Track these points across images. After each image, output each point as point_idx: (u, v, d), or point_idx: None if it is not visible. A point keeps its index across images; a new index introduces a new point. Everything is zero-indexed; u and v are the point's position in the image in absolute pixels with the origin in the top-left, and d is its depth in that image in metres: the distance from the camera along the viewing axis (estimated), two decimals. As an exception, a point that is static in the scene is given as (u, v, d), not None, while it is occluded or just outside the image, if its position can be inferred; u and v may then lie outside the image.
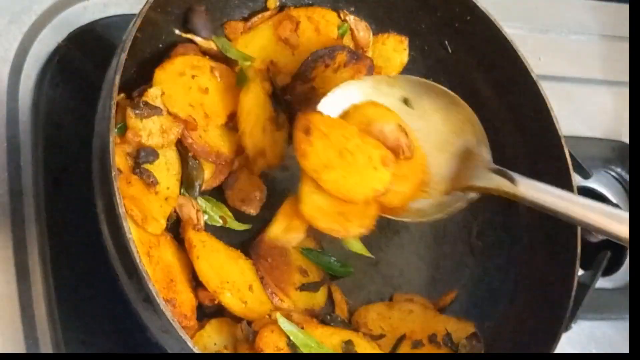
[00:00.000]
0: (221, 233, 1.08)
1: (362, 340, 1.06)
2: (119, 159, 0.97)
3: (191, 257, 1.00)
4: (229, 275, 1.02)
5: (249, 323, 1.01)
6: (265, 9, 1.19)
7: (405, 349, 1.11)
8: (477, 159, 1.02)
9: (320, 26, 1.19)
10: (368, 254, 1.09)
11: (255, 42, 1.16)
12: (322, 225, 1.00)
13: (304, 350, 0.98)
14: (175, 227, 1.05)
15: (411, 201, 1.06)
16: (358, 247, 1.06)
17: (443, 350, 1.12)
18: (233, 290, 1.01)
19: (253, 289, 1.04)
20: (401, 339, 1.11)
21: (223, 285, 1.00)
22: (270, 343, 0.97)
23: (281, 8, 1.19)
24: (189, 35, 1.11)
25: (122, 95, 1.02)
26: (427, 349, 1.11)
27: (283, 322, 0.99)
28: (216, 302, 1.01)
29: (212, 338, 1.00)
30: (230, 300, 1.00)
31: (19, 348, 1.02)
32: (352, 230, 1.01)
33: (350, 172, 0.99)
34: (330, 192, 1.00)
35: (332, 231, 1.01)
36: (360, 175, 1.00)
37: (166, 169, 1.04)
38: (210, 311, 1.03)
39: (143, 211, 0.96)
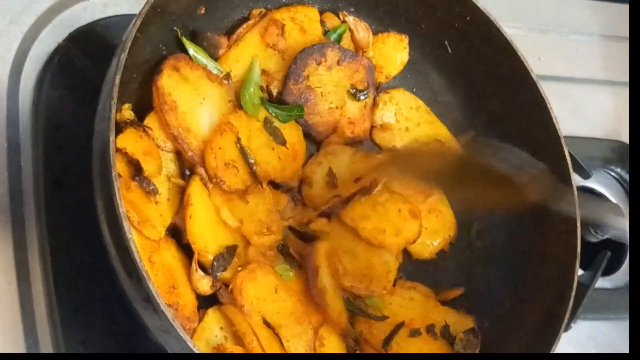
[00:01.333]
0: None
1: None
2: (119, 164, 0.97)
3: (185, 214, 0.99)
4: (217, 238, 1.02)
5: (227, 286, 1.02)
6: (247, 18, 1.18)
7: (402, 336, 1.12)
8: None
9: (304, 25, 1.18)
10: None
11: (246, 54, 1.14)
12: (347, 284, 1.10)
13: None
14: (177, 233, 1.05)
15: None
16: None
17: (439, 342, 1.12)
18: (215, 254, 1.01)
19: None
20: (400, 325, 1.12)
21: (207, 249, 0.99)
22: (244, 284, 1.01)
23: (265, 12, 1.18)
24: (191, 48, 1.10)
25: (127, 105, 1.02)
26: (424, 339, 1.12)
27: None
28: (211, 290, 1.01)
29: (212, 330, 1.00)
30: (209, 266, 1.00)
31: (19, 348, 1.02)
32: (375, 290, 1.12)
33: (383, 222, 1.13)
34: (369, 241, 1.12)
35: (356, 289, 1.11)
36: (393, 225, 1.14)
37: (167, 179, 1.04)
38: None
39: (141, 215, 0.96)
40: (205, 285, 1.00)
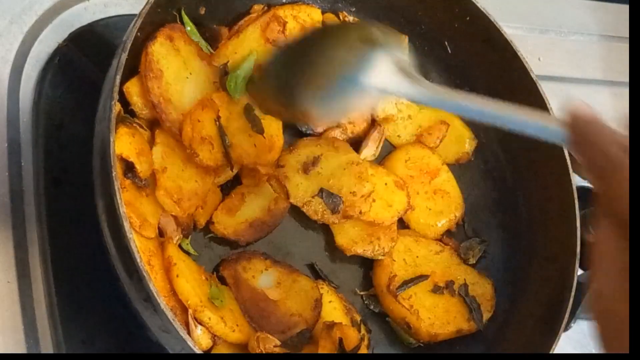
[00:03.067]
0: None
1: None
2: (114, 165, 0.96)
3: (170, 275, 0.97)
4: (204, 287, 1.00)
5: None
6: (248, 12, 1.18)
7: (423, 288, 1.14)
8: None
9: (306, 25, 1.18)
10: None
11: (245, 47, 1.14)
12: (360, 250, 1.13)
13: None
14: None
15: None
16: None
17: (456, 299, 1.15)
18: (213, 310, 0.98)
19: (233, 310, 1.02)
20: (423, 277, 1.14)
21: (204, 305, 0.97)
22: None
23: (267, 7, 1.18)
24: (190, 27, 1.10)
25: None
26: (442, 295, 1.15)
27: None
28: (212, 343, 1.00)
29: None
30: (209, 321, 0.97)
31: (20, 348, 1.02)
32: (384, 245, 1.14)
33: (373, 196, 1.14)
34: (363, 219, 1.13)
35: (368, 252, 1.14)
36: (382, 199, 1.15)
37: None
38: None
39: (139, 217, 0.96)
40: (207, 339, 0.98)
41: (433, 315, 1.13)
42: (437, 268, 1.17)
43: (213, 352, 0.99)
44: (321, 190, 1.11)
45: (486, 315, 1.16)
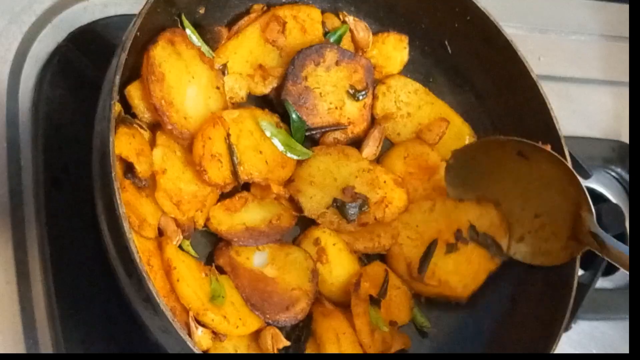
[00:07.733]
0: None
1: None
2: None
3: (171, 279, 0.97)
4: (205, 287, 1.00)
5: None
6: (248, 12, 1.18)
7: (440, 253, 1.15)
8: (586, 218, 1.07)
9: (306, 25, 1.18)
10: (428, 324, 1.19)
11: (244, 46, 1.14)
12: (361, 247, 1.14)
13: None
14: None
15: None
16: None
17: (471, 247, 1.15)
18: (215, 310, 0.98)
19: (234, 303, 1.03)
20: (432, 244, 1.15)
21: (206, 307, 0.97)
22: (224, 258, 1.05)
23: (267, 7, 1.18)
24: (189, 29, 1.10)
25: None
26: (463, 250, 1.15)
27: None
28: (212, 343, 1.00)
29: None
30: (212, 322, 0.97)
31: (19, 348, 1.03)
32: (385, 243, 1.15)
33: (373, 195, 1.13)
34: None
35: (370, 249, 1.15)
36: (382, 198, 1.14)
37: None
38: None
39: (139, 217, 0.96)
40: (208, 339, 0.98)
41: (461, 275, 1.15)
42: (440, 224, 1.17)
43: (221, 347, 0.99)
44: (335, 201, 1.11)
45: (503, 242, 1.16)
